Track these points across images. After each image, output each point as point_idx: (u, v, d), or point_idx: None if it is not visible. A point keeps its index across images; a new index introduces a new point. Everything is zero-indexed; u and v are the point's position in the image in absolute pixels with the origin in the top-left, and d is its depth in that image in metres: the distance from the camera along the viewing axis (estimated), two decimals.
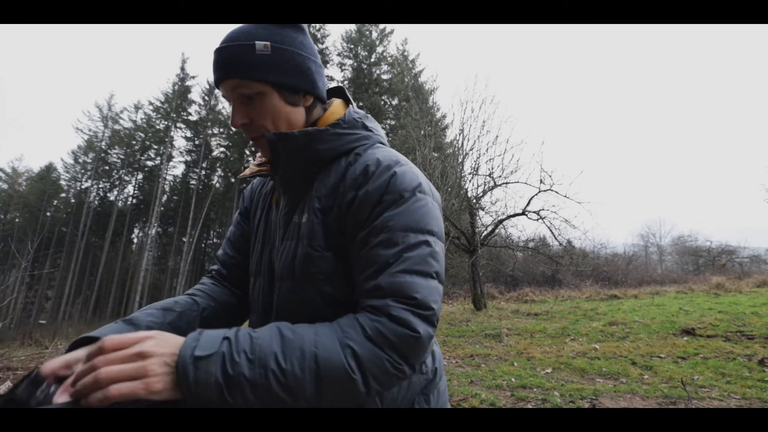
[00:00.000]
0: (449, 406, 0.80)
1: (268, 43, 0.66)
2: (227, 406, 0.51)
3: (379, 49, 26.93)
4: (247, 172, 0.83)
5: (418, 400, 0.73)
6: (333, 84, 0.85)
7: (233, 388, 0.50)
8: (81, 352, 0.53)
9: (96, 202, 32.82)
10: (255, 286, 0.80)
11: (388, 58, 26.73)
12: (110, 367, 0.48)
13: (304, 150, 0.69)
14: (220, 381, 0.49)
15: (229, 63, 0.66)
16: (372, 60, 26.61)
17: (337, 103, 0.77)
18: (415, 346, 0.56)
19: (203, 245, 34.22)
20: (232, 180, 31.43)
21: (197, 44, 35.81)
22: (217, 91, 31.94)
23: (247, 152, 30.66)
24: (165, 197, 31.59)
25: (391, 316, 0.56)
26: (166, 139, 29.85)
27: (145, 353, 0.49)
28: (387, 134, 20.21)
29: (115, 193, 33.37)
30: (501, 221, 10.34)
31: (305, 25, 0.72)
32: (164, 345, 0.51)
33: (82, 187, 33.81)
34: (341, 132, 0.71)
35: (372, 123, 0.77)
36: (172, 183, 33.07)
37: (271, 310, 0.74)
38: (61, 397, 0.48)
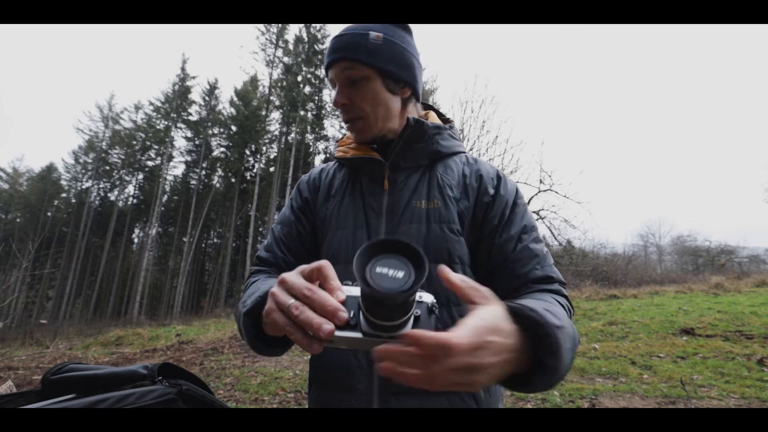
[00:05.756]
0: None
1: (381, 34, 0.75)
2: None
3: None
4: (348, 153, 0.82)
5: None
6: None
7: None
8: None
9: (96, 202, 32.82)
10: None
11: None
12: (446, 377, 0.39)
13: (429, 140, 0.78)
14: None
15: (344, 47, 0.74)
16: None
17: (433, 115, 0.88)
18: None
19: (203, 245, 34.23)
20: (233, 180, 31.43)
21: (197, 44, 35.86)
22: (218, 91, 31.91)
23: (247, 152, 30.68)
24: (165, 197, 31.61)
25: (568, 298, 0.69)
26: (167, 139, 29.85)
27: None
28: None
29: (116, 193, 33.42)
30: None
31: (412, 26, 0.82)
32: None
33: (83, 187, 33.84)
34: (454, 136, 0.84)
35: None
36: (172, 183, 33.10)
37: None
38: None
